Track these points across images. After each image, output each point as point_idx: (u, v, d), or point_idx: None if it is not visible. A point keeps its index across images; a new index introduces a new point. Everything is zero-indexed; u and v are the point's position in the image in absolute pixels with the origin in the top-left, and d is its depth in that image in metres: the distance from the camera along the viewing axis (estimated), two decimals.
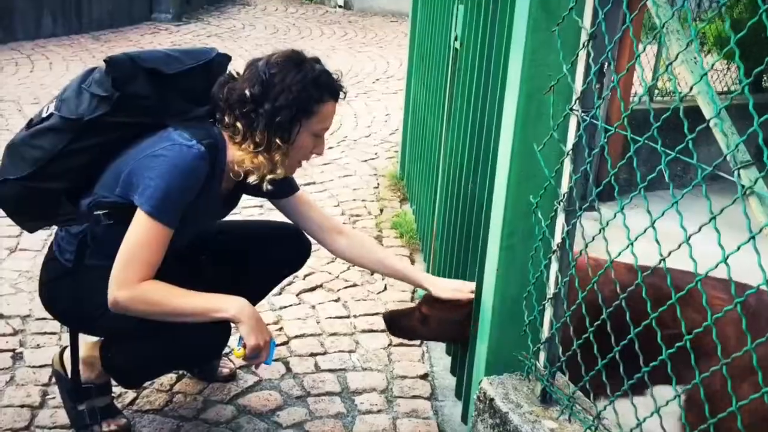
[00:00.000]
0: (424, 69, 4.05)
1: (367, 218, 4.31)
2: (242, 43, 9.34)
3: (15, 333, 2.88)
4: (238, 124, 2.03)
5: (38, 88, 6.57)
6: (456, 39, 2.94)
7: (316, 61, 2.11)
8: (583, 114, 1.56)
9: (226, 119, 2.06)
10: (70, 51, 8.32)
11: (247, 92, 2.00)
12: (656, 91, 5.51)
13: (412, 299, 3.35)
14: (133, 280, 1.95)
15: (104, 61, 2.02)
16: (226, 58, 2.22)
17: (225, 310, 2.01)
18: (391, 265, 2.45)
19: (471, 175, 2.56)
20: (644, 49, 1.38)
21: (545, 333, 1.76)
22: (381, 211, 4.43)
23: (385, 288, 3.45)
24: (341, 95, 2.14)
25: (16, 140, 2.11)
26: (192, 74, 2.11)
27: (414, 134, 4.39)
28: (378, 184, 4.90)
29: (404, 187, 4.70)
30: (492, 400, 1.81)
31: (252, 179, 2.10)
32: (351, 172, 5.08)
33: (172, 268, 2.23)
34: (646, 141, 1.35)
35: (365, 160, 5.35)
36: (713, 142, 1.24)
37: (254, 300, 2.60)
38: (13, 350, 2.78)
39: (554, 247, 1.69)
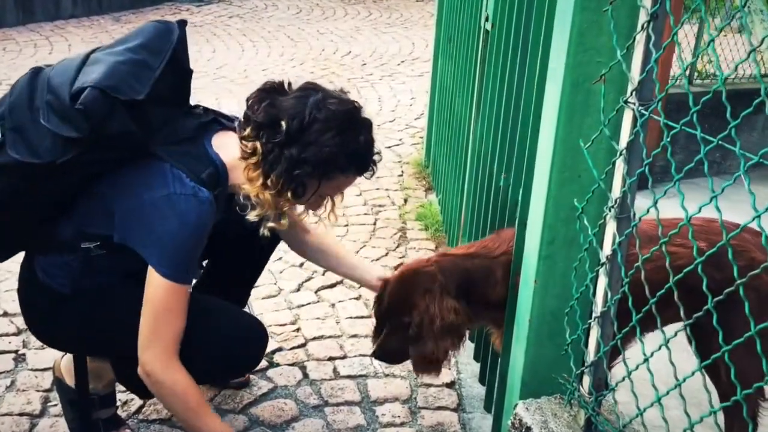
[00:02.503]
0: (451, 51, 3.82)
1: (390, 208, 4.11)
2: (264, 24, 9.13)
3: (18, 333, 2.74)
4: (258, 146, 1.81)
5: None
6: (487, 19, 2.72)
7: (367, 127, 1.90)
8: (640, 107, 1.33)
9: (248, 131, 1.83)
10: (90, 32, 8.18)
11: (283, 123, 1.78)
12: (695, 74, 5.23)
13: None
14: (162, 356, 1.83)
15: (77, 108, 1.66)
16: (184, 25, 1.92)
17: None
18: (347, 267, 2.32)
19: (503, 167, 2.35)
20: (721, 31, 1.15)
21: (591, 355, 1.55)
22: (405, 201, 4.23)
23: None
24: (367, 173, 1.95)
25: None
26: (162, 77, 1.80)
27: (440, 120, 4.17)
28: (402, 171, 4.69)
29: (430, 176, 4.49)
30: (529, 429, 1.61)
31: (252, 216, 1.86)
32: None
33: None
34: (720, 142, 1.13)
35: (389, 147, 5.13)
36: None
37: (251, 278, 2.45)
38: (16, 351, 2.63)
39: (603, 260, 1.48)
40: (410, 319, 1.95)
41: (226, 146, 1.89)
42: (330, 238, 2.37)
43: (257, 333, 2.06)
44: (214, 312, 2.02)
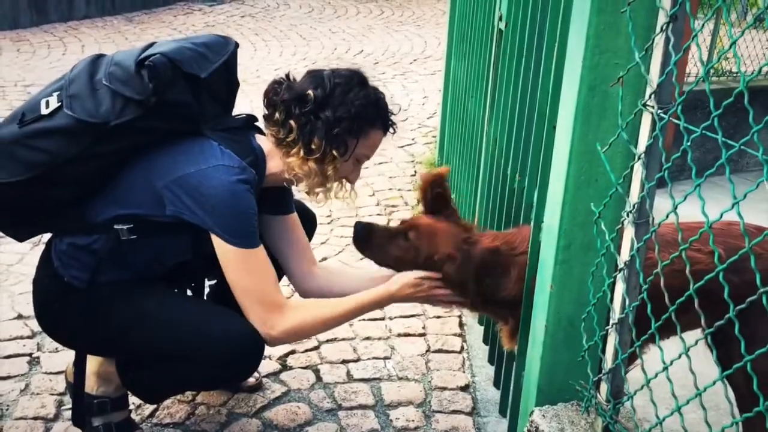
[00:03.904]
0: (464, 50, 3.79)
1: (403, 209, 4.09)
2: (276, 23, 9.13)
3: (33, 335, 2.74)
4: (292, 122, 1.93)
5: None
6: (501, 19, 2.69)
7: (377, 89, 2.06)
8: (659, 111, 1.31)
9: (277, 115, 1.95)
10: (103, 33, 8.21)
11: (310, 92, 1.93)
12: (712, 71, 5.16)
13: None
14: (277, 318, 1.90)
15: (146, 65, 1.79)
16: (238, 47, 2.09)
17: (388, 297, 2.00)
18: (360, 278, 2.26)
19: (517, 168, 2.32)
20: (743, 33, 1.12)
21: (608, 362, 1.53)
22: (418, 201, 4.20)
23: None
24: (391, 130, 2.08)
25: (1, 136, 1.82)
26: (217, 72, 1.95)
27: (453, 119, 4.14)
28: (415, 171, 4.67)
29: None
30: None
31: (301, 187, 2.03)
32: (387, 159, 4.86)
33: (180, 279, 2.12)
34: (742, 147, 1.10)
35: (402, 146, 5.11)
36: None
37: None
38: (30, 354, 2.64)
39: (621, 265, 1.45)
40: (414, 246, 2.00)
41: (264, 141, 2.03)
42: (335, 264, 2.44)
43: (255, 337, 1.95)
44: (209, 315, 1.99)
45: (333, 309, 1.97)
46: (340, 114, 1.92)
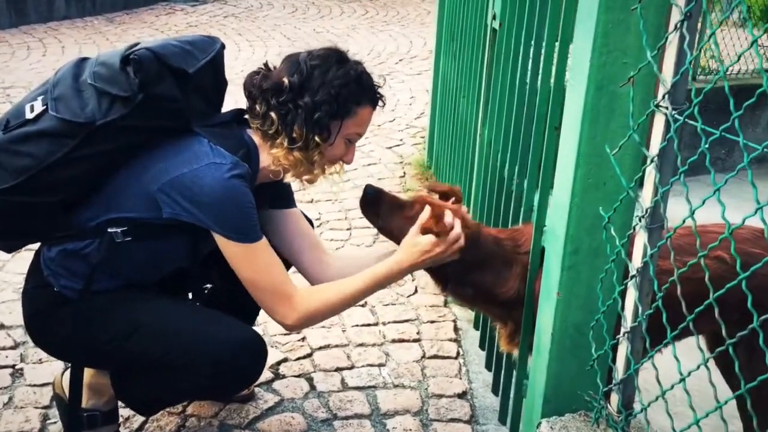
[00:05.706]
0: (455, 49, 3.74)
1: None
2: (260, 23, 9.03)
3: (16, 346, 2.65)
4: (272, 114, 1.86)
5: (50, 73, 6.31)
6: (494, 17, 2.64)
7: (358, 63, 1.97)
8: (674, 112, 1.26)
9: (257, 108, 1.88)
10: (84, 34, 8.08)
11: (285, 80, 1.85)
12: (699, 70, 5.15)
13: (446, 303, 3.07)
14: (288, 305, 1.88)
15: (131, 58, 1.75)
16: (224, 48, 2.01)
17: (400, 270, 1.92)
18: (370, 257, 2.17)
19: (515, 170, 2.27)
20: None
21: (620, 372, 1.48)
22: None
23: (416, 291, 3.17)
24: (380, 104, 1.98)
25: None
26: (204, 69, 1.89)
27: (443, 120, 4.09)
28: (404, 173, 4.61)
29: (433, 176, 4.41)
30: None
31: (289, 177, 1.97)
32: (375, 160, 4.80)
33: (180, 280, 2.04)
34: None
35: (390, 147, 5.05)
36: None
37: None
38: (13, 366, 2.55)
39: (633, 272, 1.40)
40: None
41: (253, 135, 1.96)
42: (345, 251, 2.37)
43: (255, 346, 1.93)
44: (208, 323, 1.93)
45: (344, 289, 1.92)
46: (320, 98, 1.84)
